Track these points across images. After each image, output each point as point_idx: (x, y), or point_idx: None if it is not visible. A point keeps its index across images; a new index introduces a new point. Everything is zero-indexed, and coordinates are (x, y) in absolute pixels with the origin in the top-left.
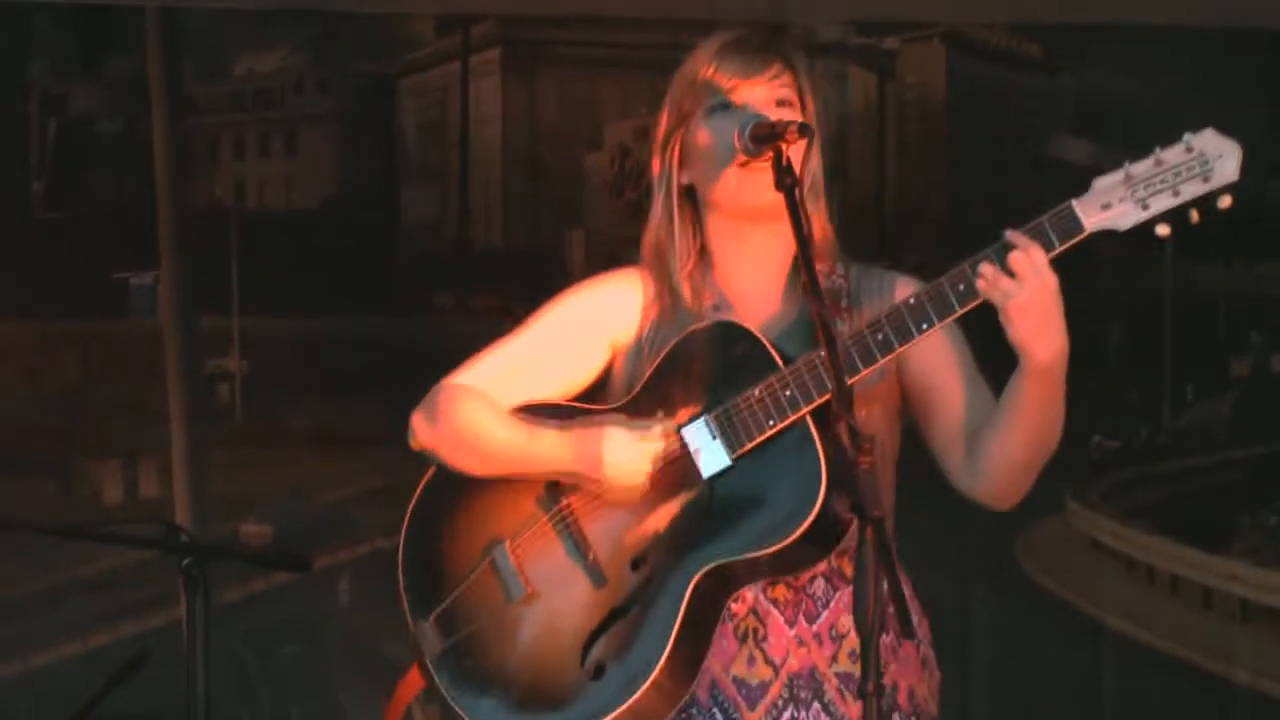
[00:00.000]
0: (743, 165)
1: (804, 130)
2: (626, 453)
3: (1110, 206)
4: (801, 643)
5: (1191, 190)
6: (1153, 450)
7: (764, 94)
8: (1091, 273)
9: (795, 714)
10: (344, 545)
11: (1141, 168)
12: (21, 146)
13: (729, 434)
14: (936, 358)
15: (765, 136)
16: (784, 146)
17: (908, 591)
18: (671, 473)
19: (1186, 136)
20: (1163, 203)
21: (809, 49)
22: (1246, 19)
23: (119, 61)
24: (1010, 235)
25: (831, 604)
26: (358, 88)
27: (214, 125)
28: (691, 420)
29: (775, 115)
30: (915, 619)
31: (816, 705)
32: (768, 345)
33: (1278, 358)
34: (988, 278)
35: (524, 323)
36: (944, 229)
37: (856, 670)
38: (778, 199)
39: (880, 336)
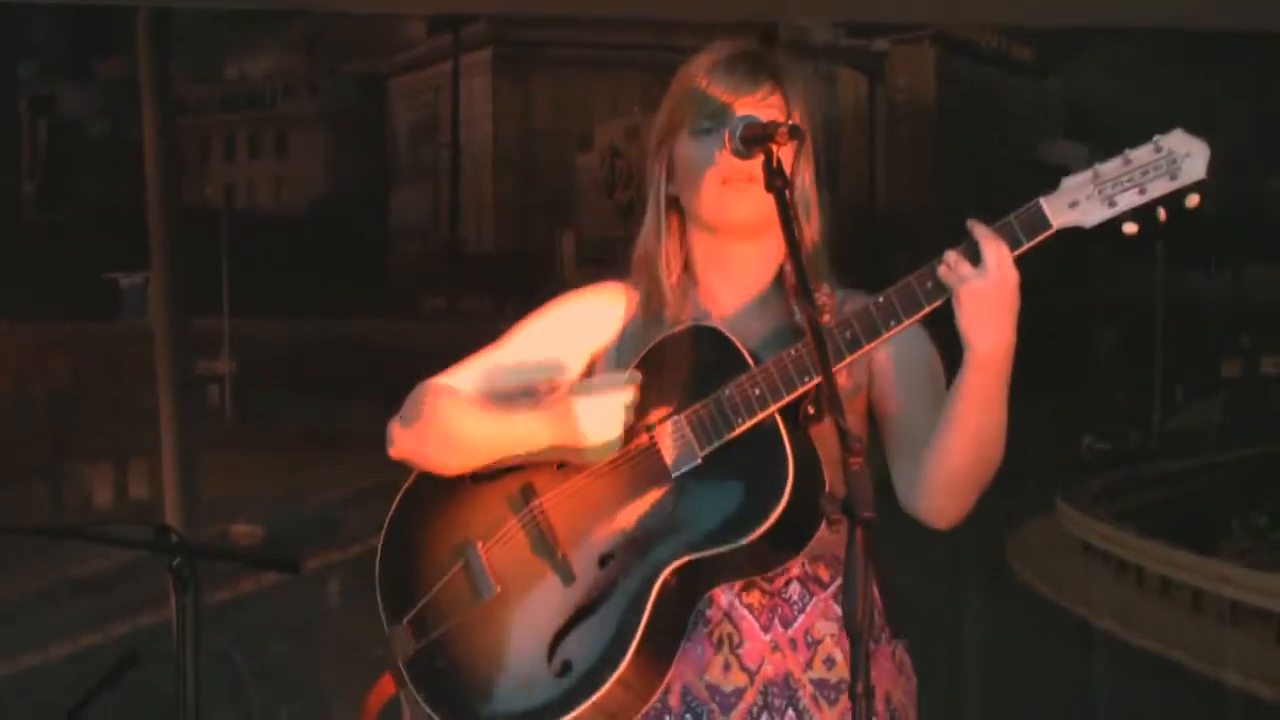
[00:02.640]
0: (725, 183)
1: (794, 132)
2: (599, 410)
3: (1077, 205)
4: (776, 648)
5: (1158, 188)
6: (1143, 452)
7: (749, 113)
8: (1082, 276)
9: None
10: (334, 546)
11: (1110, 167)
12: (12, 148)
13: (698, 433)
14: (902, 371)
15: (756, 138)
16: (774, 148)
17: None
18: (641, 472)
19: (1156, 137)
20: (1129, 200)
21: (799, 50)
22: (1236, 21)
23: (109, 63)
24: (974, 229)
25: (807, 609)
26: (348, 88)
27: (205, 126)
28: (663, 420)
29: None
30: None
31: (791, 712)
32: (738, 346)
33: (1267, 360)
34: (949, 264)
35: (507, 333)
36: (934, 231)
37: (831, 676)
38: (759, 215)
39: (849, 335)
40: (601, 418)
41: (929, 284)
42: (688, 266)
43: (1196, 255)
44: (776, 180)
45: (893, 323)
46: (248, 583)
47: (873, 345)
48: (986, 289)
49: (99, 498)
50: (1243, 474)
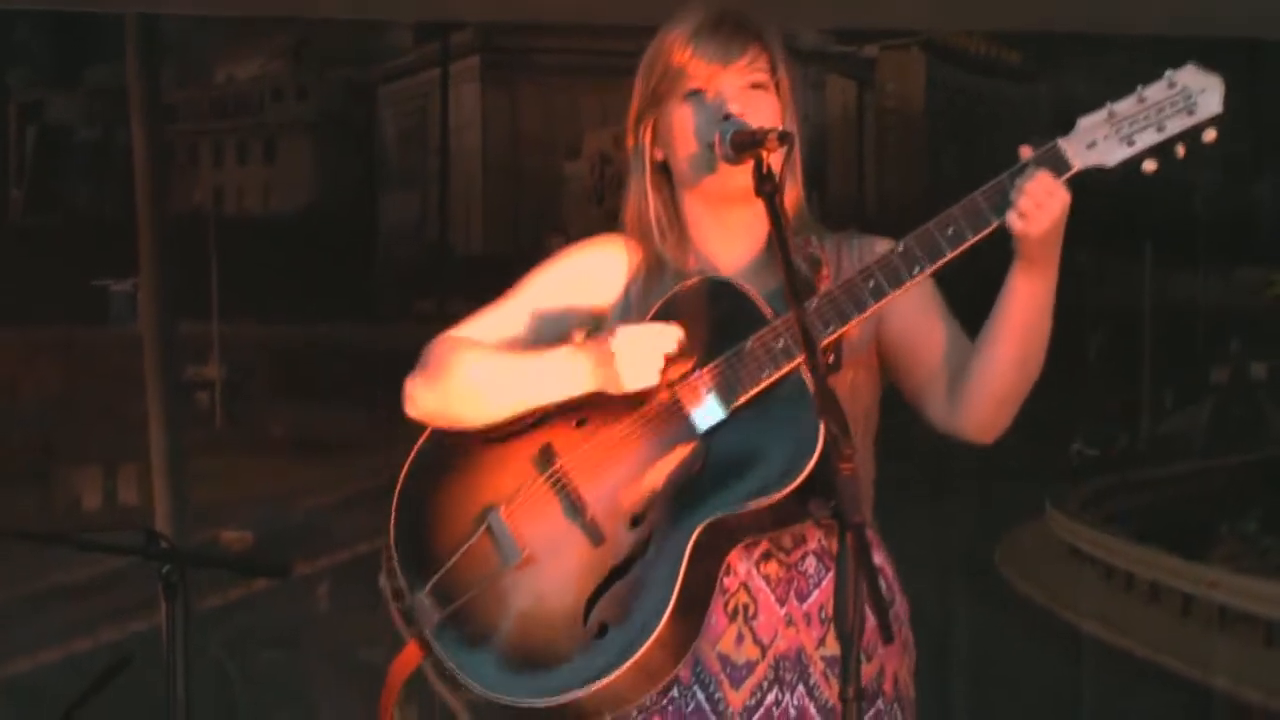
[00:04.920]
0: (717, 151)
1: (784, 138)
2: (640, 346)
3: (1095, 145)
4: (791, 622)
5: (1176, 125)
6: (1132, 457)
7: (738, 79)
8: (1070, 280)
9: (779, 696)
10: (324, 551)
11: (1125, 105)
12: (0, 154)
13: (723, 388)
14: (916, 305)
15: (746, 144)
16: (764, 154)
17: (889, 574)
18: (666, 429)
19: (1168, 73)
20: (1148, 138)
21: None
22: (1222, 29)
23: (98, 68)
24: (1017, 179)
25: (823, 583)
26: (337, 94)
27: (193, 132)
28: (684, 376)
29: (750, 102)
30: (896, 601)
31: (801, 688)
32: (756, 299)
33: (1256, 365)
34: (1032, 178)
35: (511, 289)
36: None
37: None
38: (752, 181)
39: (872, 284)
40: (641, 358)
41: (950, 230)
42: (681, 228)
43: (1185, 259)
44: (766, 186)
45: (916, 269)
46: (238, 588)
47: (896, 293)
48: (1064, 198)
49: (88, 503)
50: (1232, 479)
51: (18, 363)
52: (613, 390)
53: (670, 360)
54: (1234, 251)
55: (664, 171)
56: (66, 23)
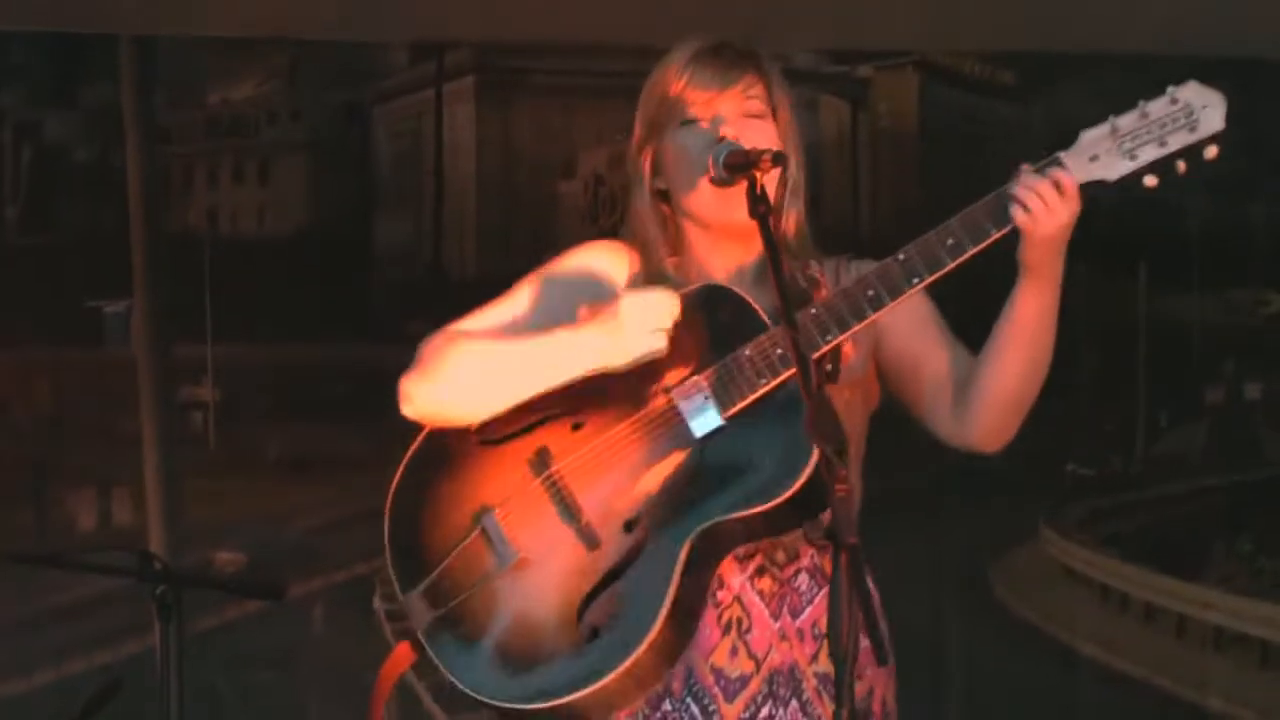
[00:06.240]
0: (715, 184)
1: (778, 159)
2: (648, 310)
3: (1098, 159)
4: (784, 637)
5: (1178, 140)
6: (1127, 478)
7: (735, 108)
8: (1065, 300)
9: (773, 711)
10: (318, 573)
11: (1127, 120)
12: None
13: (720, 394)
14: (914, 322)
15: (739, 165)
16: (758, 175)
17: (875, 598)
18: (662, 434)
19: (1170, 89)
20: (1150, 153)
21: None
22: (1217, 48)
23: (93, 89)
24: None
25: (815, 600)
26: (332, 116)
27: (188, 153)
28: (682, 381)
29: (746, 129)
30: (882, 625)
31: (794, 703)
32: (755, 307)
33: (1251, 385)
34: (1037, 188)
35: (511, 289)
36: None
37: None
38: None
39: (871, 293)
40: (649, 314)
41: (950, 240)
42: (683, 247)
43: (1180, 279)
44: (760, 207)
45: (915, 280)
46: (232, 610)
47: (895, 303)
48: (1074, 206)
49: (82, 524)
50: (1227, 500)
51: (12, 383)
52: (618, 362)
53: (657, 368)
54: (1229, 272)
55: (665, 199)
56: (62, 44)
